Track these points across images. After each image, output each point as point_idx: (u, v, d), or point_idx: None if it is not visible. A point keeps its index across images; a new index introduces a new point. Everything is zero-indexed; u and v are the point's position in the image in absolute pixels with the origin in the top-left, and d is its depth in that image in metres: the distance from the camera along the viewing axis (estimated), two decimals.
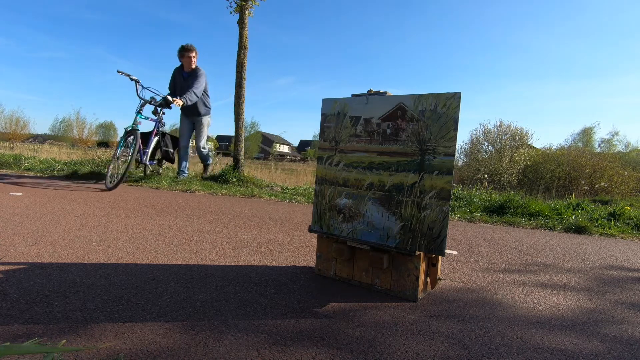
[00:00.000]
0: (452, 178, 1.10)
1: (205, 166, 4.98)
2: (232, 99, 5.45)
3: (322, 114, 1.39)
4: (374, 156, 1.25)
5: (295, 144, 68.84)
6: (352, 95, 1.38)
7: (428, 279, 1.25)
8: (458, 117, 1.10)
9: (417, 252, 1.16)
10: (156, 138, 4.39)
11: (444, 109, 1.12)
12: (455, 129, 1.10)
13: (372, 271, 1.26)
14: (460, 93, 1.11)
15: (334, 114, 1.36)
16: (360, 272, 1.28)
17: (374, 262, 1.21)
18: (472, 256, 1.80)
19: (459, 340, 0.92)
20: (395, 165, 1.21)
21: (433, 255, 1.22)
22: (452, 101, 1.11)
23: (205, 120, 4.64)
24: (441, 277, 1.40)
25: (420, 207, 1.15)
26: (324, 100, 1.40)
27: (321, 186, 1.37)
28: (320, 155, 1.38)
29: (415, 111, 1.18)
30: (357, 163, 1.29)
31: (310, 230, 1.39)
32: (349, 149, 1.31)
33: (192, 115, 4.59)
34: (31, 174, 5.60)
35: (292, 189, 4.57)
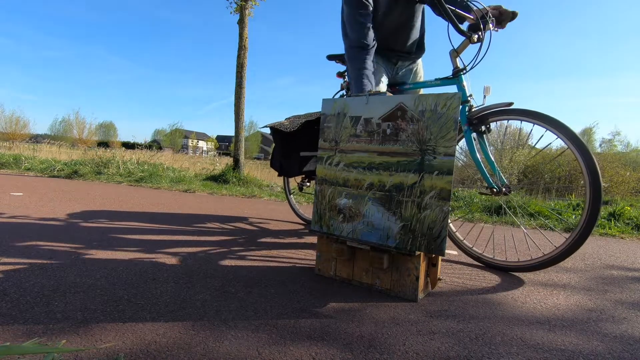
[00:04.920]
0: (452, 178, 1.10)
1: None
2: (232, 99, 5.46)
3: (322, 114, 1.39)
4: (374, 156, 1.25)
5: None
6: (352, 95, 1.38)
7: (428, 279, 1.25)
8: (458, 117, 1.10)
9: (417, 252, 1.16)
10: None
11: (444, 109, 1.12)
12: (456, 129, 1.10)
13: (373, 271, 1.26)
14: (460, 93, 1.11)
15: (334, 114, 1.36)
16: (361, 272, 1.28)
17: (374, 262, 1.21)
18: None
19: (459, 340, 0.92)
20: (396, 165, 1.20)
21: (433, 256, 1.22)
22: (452, 101, 1.11)
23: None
24: (441, 277, 1.40)
25: (421, 207, 1.15)
26: (324, 100, 1.40)
27: (321, 186, 1.37)
28: (320, 155, 1.38)
29: (415, 111, 1.17)
30: (357, 163, 1.29)
31: (311, 230, 1.39)
32: (349, 149, 1.31)
33: (407, 54, 1.86)
34: (31, 174, 5.60)
35: (293, 189, 4.58)
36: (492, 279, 1.45)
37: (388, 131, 1.23)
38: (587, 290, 1.36)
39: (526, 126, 1.47)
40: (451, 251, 1.87)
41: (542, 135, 1.44)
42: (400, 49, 1.80)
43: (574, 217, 2.99)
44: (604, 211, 3.08)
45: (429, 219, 1.13)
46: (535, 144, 1.55)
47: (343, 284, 1.30)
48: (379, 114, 1.25)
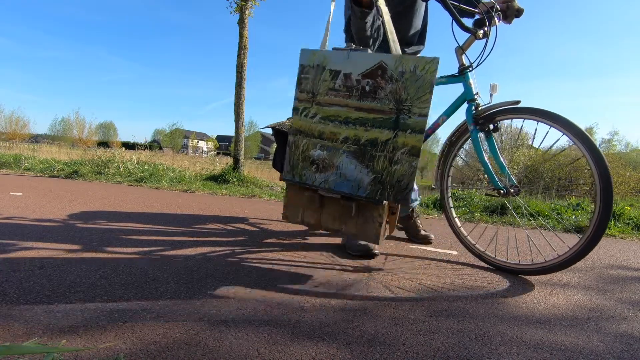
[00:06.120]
0: (422, 137, 1.17)
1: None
2: (232, 99, 5.46)
3: (300, 65, 1.35)
4: (352, 111, 1.27)
5: None
6: (333, 49, 1.34)
7: (387, 225, 1.36)
8: (434, 81, 1.15)
9: (384, 202, 1.24)
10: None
11: (422, 72, 1.16)
12: (431, 92, 1.15)
13: (340, 218, 1.34)
14: (438, 58, 1.15)
15: (313, 66, 1.33)
16: (328, 219, 1.37)
17: (344, 210, 1.30)
18: (472, 256, 1.79)
19: (459, 340, 0.92)
20: (372, 121, 1.24)
21: (394, 205, 1.33)
22: (430, 65, 1.15)
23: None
24: (400, 225, 1.64)
25: (392, 162, 1.21)
26: (302, 50, 1.36)
27: (295, 137, 1.37)
28: (296, 106, 1.37)
29: (395, 71, 1.20)
30: (334, 117, 1.30)
31: (282, 179, 1.42)
32: (326, 102, 1.31)
33: (407, 45, 1.84)
34: (31, 174, 5.60)
35: None
36: (492, 279, 1.45)
37: (367, 88, 1.24)
38: (587, 290, 1.36)
39: (527, 124, 1.46)
40: (451, 251, 1.87)
41: (558, 139, 1.42)
42: (400, 39, 1.72)
43: (574, 217, 2.99)
44: None
45: (398, 173, 1.19)
46: (552, 146, 1.54)
47: (343, 283, 1.30)
48: (359, 70, 1.25)
